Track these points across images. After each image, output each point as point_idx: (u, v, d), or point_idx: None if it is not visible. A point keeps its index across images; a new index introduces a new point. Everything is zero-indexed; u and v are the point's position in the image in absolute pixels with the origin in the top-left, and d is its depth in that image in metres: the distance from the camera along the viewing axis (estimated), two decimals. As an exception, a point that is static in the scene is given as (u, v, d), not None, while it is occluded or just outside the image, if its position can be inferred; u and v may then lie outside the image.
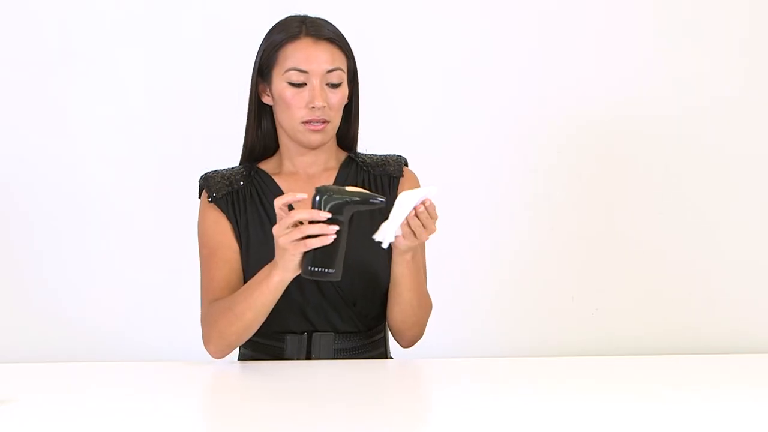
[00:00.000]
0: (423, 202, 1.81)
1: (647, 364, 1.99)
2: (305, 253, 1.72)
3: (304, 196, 1.75)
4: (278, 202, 1.77)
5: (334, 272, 1.70)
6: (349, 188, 1.74)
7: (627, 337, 3.33)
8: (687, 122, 3.33)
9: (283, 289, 1.85)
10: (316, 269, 1.70)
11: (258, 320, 1.90)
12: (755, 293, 3.36)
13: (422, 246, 2.07)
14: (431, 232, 1.84)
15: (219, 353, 1.96)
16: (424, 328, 2.04)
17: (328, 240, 1.71)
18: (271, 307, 1.88)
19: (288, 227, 1.74)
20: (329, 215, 1.70)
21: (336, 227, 1.70)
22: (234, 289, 1.99)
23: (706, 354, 2.86)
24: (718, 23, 3.33)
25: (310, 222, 1.72)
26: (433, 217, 1.83)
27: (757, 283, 3.36)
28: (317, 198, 1.70)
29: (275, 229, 1.77)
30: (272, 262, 1.83)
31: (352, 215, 1.74)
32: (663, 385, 1.75)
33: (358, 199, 1.73)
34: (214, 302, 1.98)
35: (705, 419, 1.56)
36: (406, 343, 2.05)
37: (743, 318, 3.36)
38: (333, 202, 1.70)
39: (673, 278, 3.35)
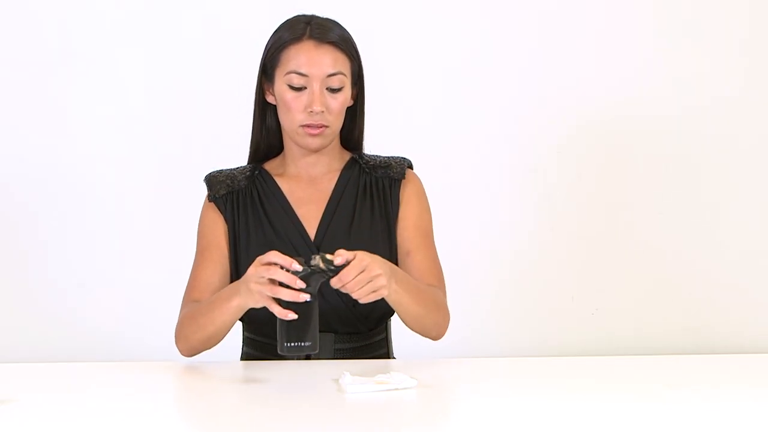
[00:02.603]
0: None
1: (647, 364, 1.99)
2: (279, 329, 1.71)
3: (299, 268, 1.71)
4: (275, 258, 1.74)
5: (310, 345, 1.70)
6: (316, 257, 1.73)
7: (627, 337, 3.33)
8: (687, 122, 3.33)
9: (241, 312, 1.87)
10: (292, 344, 1.69)
11: (220, 333, 1.92)
12: (755, 293, 3.36)
13: (427, 244, 2.06)
14: (366, 291, 1.77)
15: (186, 353, 1.99)
16: (448, 320, 2.03)
17: (297, 297, 1.69)
18: (231, 325, 1.91)
19: (264, 278, 1.72)
20: (304, 285, 1.69)
21: (307, 296, 1.69)
22: (213, 293, 2.01)
23: (706, 354, 2.86)
24: (718, 23, 3.33)
25: (282, 284, 1.71)
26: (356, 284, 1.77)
27: (757, 283, 3.36)
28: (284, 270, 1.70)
29: (251, 269, 1.75)
30: (236, 285, 1.84)
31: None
32: (663, 385, 1.75)
33: (324, 269, 1.73)
34: (189, 304, 2.00)
35: (705, 419, 1.56)
36: (434, 339, 2.05)
37: (743, 318, 3.36)
38: (300, 274, 1.69)
39: (673, 278, 3.35)
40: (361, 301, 1.79)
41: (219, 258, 2.04)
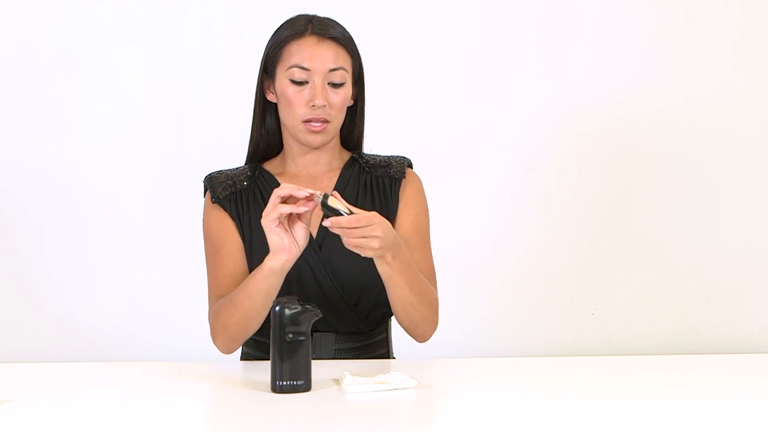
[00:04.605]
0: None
1: (647, 364, 1.99)
2: (272, 368, 1.70)
3: (305, 193, 1.79)
4: (282, 191, 1.81)
5: (303, 383, 1.69)
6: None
7: (627, 337, 3.33)
8: (687, 122, 3.33)
9: (275, 277, 1.86)
10: (285, 383, 1.69)
11: (256, 309, 1.90)
12: (755, 293, 3.36)
13: (422, 245, 2.06)
14: (359, 244, 1.81)
15: (225, 347, 1.97)
16: (435, 323, 2.03)
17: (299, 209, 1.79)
18: (268, 297, 1.88)
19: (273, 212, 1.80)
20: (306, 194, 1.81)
21: (312, 193, 1.77)
22: (239, 284, 1.99)
23: (706, 354, 2.86)
24: (718, 22, 3.33)
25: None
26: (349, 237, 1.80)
27: (757, 283, 3.36)
28: (276, 309, 1.70)
29: (265, 211, 1.82)
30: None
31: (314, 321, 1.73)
32: (663, 385, 1.75)
33: (312, 308, 1.74)
34: (220, 299, 1.99)
35: (705, 419, 1.56)
36: (420, 338, 2.04)
37: (743, 318, 3.36)
38: (290, 314, 1.69)
39: (672, 278, 3.35)
40: (347, 246, 1.80)
41: (237, 251, 2.02)
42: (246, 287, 1.89)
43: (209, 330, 1.99)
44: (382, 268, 1.88)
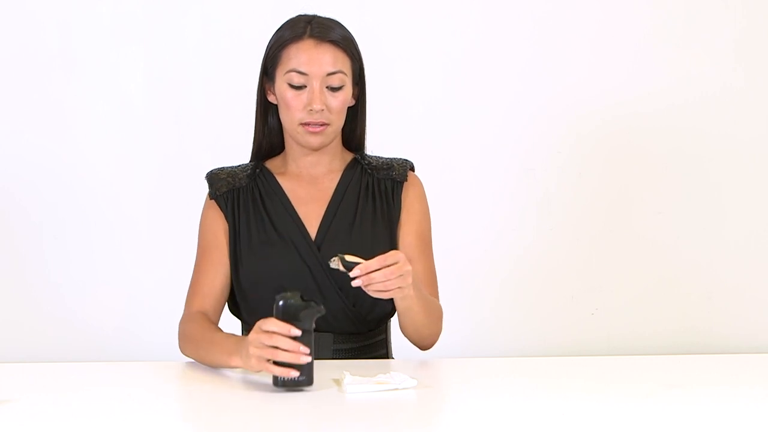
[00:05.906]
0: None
1: (647, 364, 1.99)
2: (274, 363, 1.68)
3: (297, 333, 1.67)
4: (273, 327, 1.68)
5: (305, 379, 1.69)
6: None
7: (627, 337, 3.33)
8: (687, 122, 3.33)
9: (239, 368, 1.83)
10: (287, 378, 1.68)
11: (218, 369, 1.89)
12: (756, 293, 3.36)
13: (425, 253, 2.06)
14: (391, 285, 1.76)
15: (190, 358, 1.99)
16: (440, 333, 2.04)
17: (298, 359, 1.66)
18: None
19: (264, 345, 1.69)
20: (307, 351, 1.66)
21: (307, 351, 1.66)
22: (217, 298, 2.02)
23: (706, 354, 2.86)
24: (717, 21, 3.33)
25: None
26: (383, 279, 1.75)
27: (757, 283, 3.36)
28: (279, 303, 1.68)
29: (252, 335, 1.71)
30: (238, 343, 1.79)
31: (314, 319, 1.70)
32: (663, 385, 1.75)
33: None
34: (192, 321, 1.98)
35: (705, 419, 1.56)
36: (424, 348, 2.05)
37: (743, 318, 3.36)
38: (293, 309, 1.68)
39: (672, 278, 3.35)
40: (382, 296, 1.77)
41: (220, 259, 2.03)
42: (212, 357, 1.86)
43: (177, 334, 2.00)
44: (404, 303, 1.87)
